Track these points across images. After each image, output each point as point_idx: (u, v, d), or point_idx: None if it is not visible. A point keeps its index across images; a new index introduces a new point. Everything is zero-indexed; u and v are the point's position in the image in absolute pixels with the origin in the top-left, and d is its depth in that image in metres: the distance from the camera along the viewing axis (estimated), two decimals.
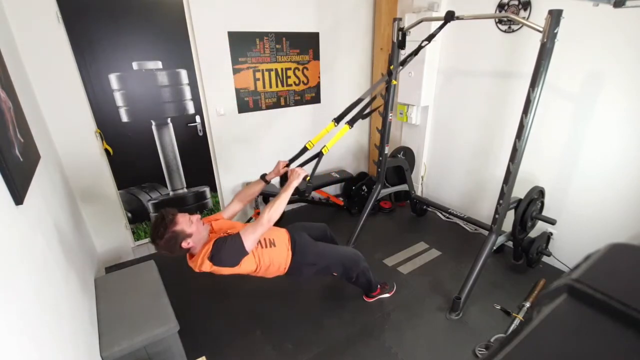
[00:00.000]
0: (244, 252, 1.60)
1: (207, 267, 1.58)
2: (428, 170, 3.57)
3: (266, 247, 1.77)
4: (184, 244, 1.54)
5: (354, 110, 1.99)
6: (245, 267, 1.69)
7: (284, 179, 1.87)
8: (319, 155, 1.81)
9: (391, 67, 2.35)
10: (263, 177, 1.90)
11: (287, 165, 1.89)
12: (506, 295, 2.35)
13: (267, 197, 3.25)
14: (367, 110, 2.04)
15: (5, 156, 1.05)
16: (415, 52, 2.16)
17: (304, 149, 1.88)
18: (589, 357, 0.27)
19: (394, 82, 2.28)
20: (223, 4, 2.60)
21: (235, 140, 3.05)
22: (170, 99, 2.65)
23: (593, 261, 0.33)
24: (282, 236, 1.88)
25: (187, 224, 1.55)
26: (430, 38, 2.11)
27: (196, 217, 1.61)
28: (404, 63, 2.21)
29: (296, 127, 3.33)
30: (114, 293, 1.83)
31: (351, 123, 1.89)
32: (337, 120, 1.96)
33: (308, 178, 1.73)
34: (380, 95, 2.83)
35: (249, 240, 1.59)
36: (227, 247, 1.57)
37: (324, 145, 1.80)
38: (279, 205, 1.61)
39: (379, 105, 2.62)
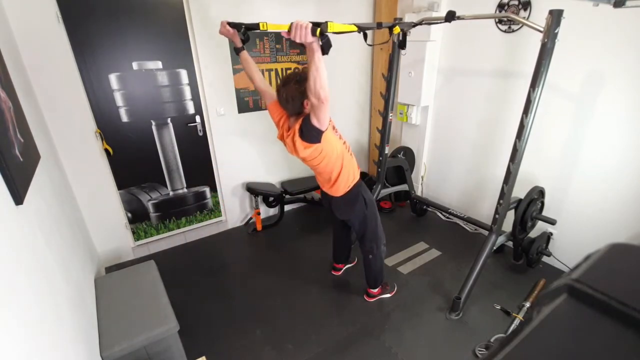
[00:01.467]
0: (321, 124, 1.58)
1: (299, 143, 1.65)
2: (428, 170, 3.57)
3: (348, 151, 1.88)
4: (306, 103, 1.61)
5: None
6: (332, 143, 1.73)
7: (243, 38, 1.79)
8: (323, 25, 1.36)
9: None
10: (236, 49, 1.88)
11: (233, 25, 1.77)
12: (506, 295, 2.35)
13: (266, 196, 3.26)
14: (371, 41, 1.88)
15: (5, 156, 1.05)
16: (416, 24, 2.19)
17: (256, 25, 1.64)
18: (589, 357, 0.27)
19: (396, 29, 2.01)
20: (223, 4, 2.60)
21: (235, 140, 3.05)
22: (170, 99, 2.65)
23: (593, 261, 0.33)
24: (355, 160, 1.96)
25: None
26: (431, 22, 2.12)
27: None
28: (405, 36, 2.17)
29: None
30: (114, 293, 1.83)
31: (359, 28, 1.68)
32: (359, 28, 1.72)
33: (318, 30, 1.33)
34: (380, 94, 2.83)
35: (321, 114, 1.54)
36: (308, 120, 1.60)
37: (326, 22, 1.38)
38: (320, 73, 1.42)
39: (384, 41, 2.39)
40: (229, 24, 1.80)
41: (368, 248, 2.13)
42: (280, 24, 1.54)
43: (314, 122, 1.57)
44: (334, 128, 1.82)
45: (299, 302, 2.35)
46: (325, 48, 1.39)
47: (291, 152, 1.78)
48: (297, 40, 1.37)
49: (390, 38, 2.18)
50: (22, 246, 1.05)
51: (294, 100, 1.63)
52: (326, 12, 3.10)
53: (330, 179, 1.89)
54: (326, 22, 1.37)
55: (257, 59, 2.89)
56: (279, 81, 3.05)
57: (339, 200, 1.97)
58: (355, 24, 1.65)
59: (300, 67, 3.13)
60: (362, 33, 1.76)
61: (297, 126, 1.65)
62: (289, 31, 1.38)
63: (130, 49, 2.39)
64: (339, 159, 1.82)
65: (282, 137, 1.82)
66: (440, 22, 2.16)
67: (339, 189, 1.92)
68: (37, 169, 1.47)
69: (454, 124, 3.15)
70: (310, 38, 1.35)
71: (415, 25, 2.25)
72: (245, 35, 1.81)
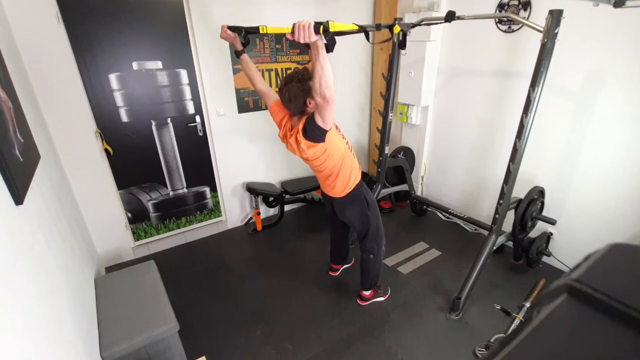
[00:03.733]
0: (326, 124, 1.58)
1: (302, 141, 1.64)
2: (428, 170, 3.57)
3: (350, 151, 1.88)
4: (308, 102, 1.61)
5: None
6: (335, 142, 1.73)
7: (243, 41, 1.81)
8: (325, 24, 1.36)
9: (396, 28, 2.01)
10: (237, 53, 1.89)
11: (234, 29, 1.78)
12: (506, 295, 2.35)
13: (266, 196, 3.26)
14: (373, 40, 1.88)
15: (5, 156, 1.05)
16: (416, 25, 2.19)
17: (256, 29, 1.68)
18: (589, 357, 0.27)
19: (397, 28, 2.04)
20: (223, 4, 2.60)
21: (235, 140, 3.05)
22: (170, 99, 2.65)
23: (593, 261, 0.33)
24: (357, 161, 1.96)
25: None
26: (431, 22, 2.12)
27: None
28: (405, 36, 2.16)
29: None
30: (114, 293, 1.83)
31: (361, 28, 1.68)
32: (360, 27, 1.75)
33: (322, 27, 1.33)
34: (380, 94, 2.83)
35: (325, 114, 1.55)
36: (312, 119, 1.59)
37: (328, 21, 1.38)
38: (325, 71, 1.41)
39: (385, 39, 2.40)
40: (230, 27, 1.80)
41: (369, 248, 2.12)
42: (280, 26, 1.56)
43: (319, 121, 1.56)
44: (337, 127, 1.82)
45: (299, 302, 2.35)
46: (330, 45, 1.40)
47: (293, 151, 1.78)
48: (301, 41, 1.38)
49: (391, 37, 2.18)
50: (22, 246, 1.05)
51: (296, 99, 1.63)
52: (326, 12, 3.10)
53: (332, 180, 1.89)
54: (327, 21, 1.37)
55: (257, 59, 2.89)
56: (279, 81, 3.07)
57: (341, 201, 1.97)
58: (355, 24, 1.65)
59: (300, 66, 3.13)
60: (364, 32, 1.76)
61: (300, 125, 1.64)
62: (292, 32, 1.38)
63: (130, 49, 2.39)
64: (341, 159, 1.81)
65: (284, 137, 1.81)
66: (440, 22, 2.16)
67: (341, 190, 1.91)
68: (37, 169, 1.47)
69: (454, 124, 3.15)
70: (313, 37, 1.36)
71: (414, 25, 2.25)
72: (245, 39, 1.82)
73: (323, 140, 1.65)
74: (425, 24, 2.30)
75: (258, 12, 2.76)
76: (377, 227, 2.09)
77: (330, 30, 1.37)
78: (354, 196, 1.94)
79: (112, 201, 2.63)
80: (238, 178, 3.19)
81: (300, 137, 1.65)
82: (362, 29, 1.71)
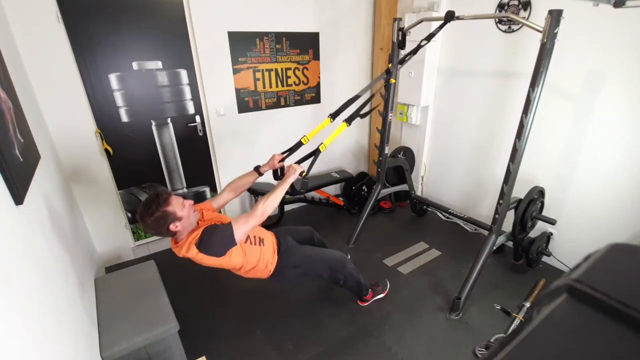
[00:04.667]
0: (232, 242, 1.56)
1: (193, 253, 1.53)
2: (428, 170, 3.57)
3: (255, 244, 1.79)
4: (172, 227, 1.50)
5: (352, 107, 1.99)
6: (232, 260, 1.66)
7: (277, 174, 1.89)
8: (315, 152, 1.81)
9: (389, 65, 2.33)
10: (257, 168, 1.89)
11: (282, 160, 1.88)
12: (506, 295, 2.35)
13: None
14: (366, 110, 2.02)
15: (5, 156, 1.05)
16: (414, 52, 2.16)
17: (299, 144, 1.88)
18: (589, 357, 0.27)
19: (392, 80, 2.26)
20: (223, 4, 2.60)
21: (236, 140, 3.05)
22: (170, 99, 2.65)
23: (593, 261, 0.33)
24: (269, 237, 1.91)
25: (180, 206, 1.52)
26: (429, 37, 2.11)
27: (189, 202, 1.58)
28: (402, 62, 2.21)
29: (296, 127, 3.33)
30: (114, 293, 1.83)
31: (349, 121, 1.88)
32: (333, 116, 1.97)
33: (304, 174, 1.75)
34: (380, 94, 2.83)
35: (240, 230, 1.55)
36: (217, 235, 1.54)
37: (322, 143, 1.80)
38: (274, 199, 1.61)
39: (378, 104, 2.59)
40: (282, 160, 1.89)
41: (333, 281, 2.05)
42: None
43: (236, 234, 1.53)
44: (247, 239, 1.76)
45: (299, 302, 2.35)
46: (296, 189, 1.82)
47: (177, 253, 1.63)
48: (286, 174, 1.70)
49: (387, 84, 2.36)
50: (22, 246, 1.05)
51: (159, 232, 1.52)
52: (326, 12, 3.10)
53: (249, 274, 1.83)
54: (307, 179, 1.79)
55: (257, 59, 2.89)
56: (279, 82, 3.07)
57: (272, 277, 1.90)
58: (345, 121, 1.87)
59: (300, 66, 3.13)
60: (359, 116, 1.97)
61: (193, 241, 1.53)
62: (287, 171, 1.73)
63: (130, 49, 2.39)
64: (245, 257, 1.73)
65: (173, 246, 1.65)
66: (441, 26, 2.15)
67: (265, 274, 1.87)
68: (37, 169, 1.47)
69: (454, 124, 3.15)
70: (292, 179, 1.68)
71: (414, 52, 2.19)
72: (281, 174, 1.89)
73: (222, 255, 1.59)
74: (422, 46, 2.17)
75: (258, 11, 2.76)
76: (326, 267, 1.97)
77: (323, 148, 1.80)
78: (279, 273, 1.88)
79: (112, 201, 2.63)
80: None
81: (193, 253, 1.53)
82: (350, 121, 1.90)
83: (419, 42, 2.13)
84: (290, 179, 1.67)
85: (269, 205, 1.59)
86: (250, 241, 1.77)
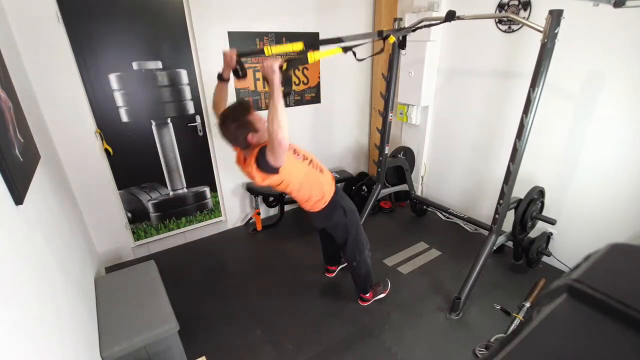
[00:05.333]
0: (273, 166, 1.57)
1: (254, 170, 1.59)
2: (428, 170, 3.57)
3: (316, 169, 1.84)
4: (250, 137, 1.59)
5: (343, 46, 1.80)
6: (290, 178, 1.70)
7: (238, 74, 1.70)
8: (302, 57, 1.51)
9: (384, 29, 2.07)
10: (220, 76, 1.72)
11: (239, 55, 1.66)
12: (506, 295, 2.35)
13: (266, 196, 3.26)
14: (362, 55, 1.85)
15: (5, 156, 1.05)
16: (413, 29, 2.22)
17: (304, 58, 1.62)
18: (589, 357, 0.27)
19: (391, 39, 2.04)
20: (223, 4, 2.60)
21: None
22: (170, 99, 2.65)
23: (593, 261, 0.33)
24: (327, 171, 1.95)
25: (258, 119, 1.61)
26: (429, 24, 2.15)
27: (265, 119, 1.58)
28: (399, 30, 2.24)
29: (296, 127, 3.33)
30: (114, 293, 1.83)
31: (345, 49, 1.73)
32: (312, 46, 1.75)
33: (284, 66, 1.41)
34: (380, 93, 2.83)
35: (269, 156, 1.54)
36: (262, 157, 1.56)
37: (312, 50, 1.52)
38: (277, 111, 1.43)
39: (378, 51, 2.43)
40: (240, 54, 1.67)
41: (350, 256, 2.11)
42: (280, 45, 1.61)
43: (270, 159, 1.54)
44: (295, 152, 1.76)
45: (299, 302, 2.35)
46: (284, 93, 1.44)
47: (250, 179, 1.72)
48: (268, 78, 1.42)
49: (384, 46, 2.18)
50: (22, 246, 1.05)
51: (236, 138, 1.61)
52: (326, 12, 3.10)
53: (303, 199, 1.87)
54: (287, 60, 1.43)
55: (257, 59, 2.89)
56: None
57: (318, 215, 1.95)
58: (340, 45, 1.66)
59: (299, 66, 3.13)
60: (351, 52, 1.77)
61: (252, 158, 1.60)
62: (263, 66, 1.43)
63: (130, 49, 2.39)
64: (306, 182, 1.79)
65: (239, 163, 1.77)
66: (440, 22, 2.16)
67: (315, 206, 1.90)
68: (37, 169, 1.47)
69: (454, 124, 3.15)
70: (278, 80, 1.41)
71: (414, 30, 2.23)
72: (243, 72, 1.70)
73: (277, 172, 1.62)
74: (424, 26, 2.28)
75: (258, 11, 2.76)
76: (357, 235, 2.06)
77: (311, 61, 1.48)
78: (329, 208, 1.92)
79: (112, 201, 2.63)
80: (238, 178, 3.18)
81: (254, 170, 1.61)
82: (348, 49, 1.71)
83: (421, 21, 2.13)
84: (277, 82, 1.42)
85: (277, 124, 1.43)
86: (313, 165, 1.82)
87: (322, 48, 1.78)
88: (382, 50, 2.23)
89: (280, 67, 1.41)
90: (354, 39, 1.91)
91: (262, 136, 1.64)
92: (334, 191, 1.94)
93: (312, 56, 1.49)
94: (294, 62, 1.48)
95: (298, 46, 1.68)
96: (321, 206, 1.90)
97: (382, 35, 2.05)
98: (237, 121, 1.57)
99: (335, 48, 1.66)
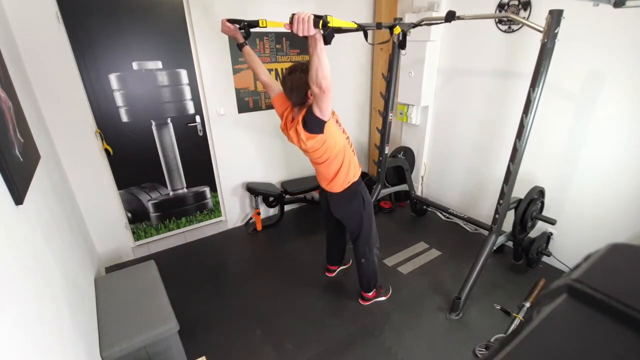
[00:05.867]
0: (320, 121, 1.62)
1: (302, 130, 1.66)
2: (428, 170, 3.57)
3: (351, 147, 1.91)
4: (309, 93, 1.62)
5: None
6: (331, 143, 1.75)
7: (244, 34, 1.86)
8: (323, 20, 1.36)
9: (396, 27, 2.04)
10: (238, 46, 1.92)
11: (228, 21, 1.82)
12: (506, 295, 2.35)
13: (266, 196, 3.26)
14: (371, 39, 1.89)
15: (5, 156, 1.05)
16: (414, 25, 2.27)
17: (256, 23, 1.72)
18: (589, 357, 0.27)
19: (397, 30, 2.03)
20: (223, 4, 2.60)
21: (235, 140, 3.05)
22: (170, 99, 2.65)
23: (593, 261, 0.33)
24: (356, 160, 1.98)
25: None
26: (431, 22, 2.15)
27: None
28: (405, 37, 2.26)
29: None
30: (114, 293, 1.83)
31: (360, 27, 1.75)
32: (360, 26, 1.77)
33: (321, 22, 1.33)
34: (380, 93, 2.83)
35: (316, 109, 1.58)
36: (310, 113, 1.62)
37: (329, 15, 1.39)
38: (324, 62, 1.42)
39: (385, 41, 2.40)
40: (229, 20, 1.83)
41: (361, 251, 2.12)
42: (279, 21, 1.56)
43: (317, 112, 1.59)
44: (337, 122, 1.84)
45: (299, 302, 2.35)
46: (328, 38, 1.38)
47: (294, 142, 1.80)
48: (300, 34, 1.36)
49: (391, 37, 2.19)
50: (22, 246, 1.05)
51: (298, 89, 1.65)
52: (326, 12, 3.09)
53: (330, 174, 1.89)
54: (326, 15, 1.36)
55: None
56: (278, 82, 3.06)
57: (337, 197, 1.97)
58: (355, 22, 1.66)
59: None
60: (362, 31, 1.79)
61: (300, 117, 1.67)
62: (291, 23, 1.37)
63: (130, 49, 2.39)
64: (341, 153, 1.83)
65: (285, 128, 1.84)
66: (440, 23, 2.16)
67: (338, 185, 1.92)
68: (37, 169, 1.47)
69: (454, 124, 3.15)
70: (312, 30, 1.35)
71: (415, 25, 2.25)
72: (247, 31, 1.85)
73: (322, 132, 1.67)
74: (425, 24, 2.30)
75: (259, 10, 2.76)
76: (370, 229, 2.08)
77: (329, 25, 1.37)
78: (351, 193, 1.95)
79: (112, 201, 2.63)
80: (238, 178, 3.18)
81: (300, 129, 1.67)
82: (361, 28, 1.74)
83: (423, 19, 2.14)
84: (313, 32, 1.35)
85: (322, 72, 1.42)
86: (350, 142, 1.90)
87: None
88: (388, 41, 2.30)
89: (317, 24, 1.33)
90: (367, 26, 1.92)
91: (314, 99, 1.61)
92: (358, 176, 1.97)
93: (332, 21, 1.38)
94: (324, 17, 1.36)
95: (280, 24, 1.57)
96: (343, 187, 1.92)
97: (389, 26, 2.07)
98: (306, 74, 1.56)
99: (352, 23, 1.65)
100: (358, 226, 2.05)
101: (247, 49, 1.93)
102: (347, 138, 1.89)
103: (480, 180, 3.07)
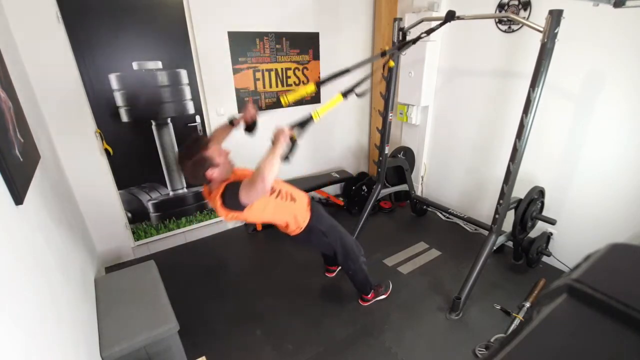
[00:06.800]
0: (239, 206, 1.53)
1: (219, 205, 1.56)
2: (428, 170, 3.57)
3: (286, 200, 1.79)
4: (209, 172, 1.55)
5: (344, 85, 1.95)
6: (257, 215, 1.71)
7: (251, 128, 1.85)
8: (308, 120, 1.64)
9: (386, 48, 2.25)
10: (231, 122, 1.84)
11: (254, 111, 1.83)
12: (506, 295, 2.35)
13: None
14: (363, 88, 1.94)
15: (5, 156, 1.05)
16: (414, 41, 2.18)
17: (310, 119, 1.70)
18: (589, 356, 0.27)
19: (391, 63, 2.18)
20: (223, 4, 2.60)
21: (235, 140, 3.04)
22: (170, 99, 2.65)
23: (593, 261, 0.33)
24: (302, 196, 1.91)
25: (218, 153, 1.56)
26: (429, 32, 2.12)
27: (227, 151, 1.62)
28: (401, 48, 2.26)
29: None
30: (114, 293, 1.83)
31: (345, 94, 1.83)
32: (344, 94, 1.90)
33: (294, 137, 1.57)
34: (380, 93, 2.83)
35: (243, 198, 1.50)
36: (233, 193, 1.52)
37: (315, 110, 1.65)
38: (269, 167, 1.45)
39: (378, 81, 2.50)
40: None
41: (346, 267, 2.10)
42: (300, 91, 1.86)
43: (242, 197, 1.49)
44: None
45: (299, 302, 2.35)
46: (284, 156, 1.54)
47: (213, 206, 1.67)
48: (276, 139, 1.51)
49: (385, 67, 2.29)
50: (22, 246, 1.05)
51: (196, 177, 1.57)
52: (326, 12, 3.10)
53: (280, 227, 1.89)
54: (297, 146, 1.56)
55: (258, 59, 2.89)
56: (279, 82, 3.07)
57: (297, 238, 1.94)
58: (341, 91, 1.83)
59: (300, 66, 3.13)
60: (353, 93, 1.89)
61: (218, 194, 1.56)
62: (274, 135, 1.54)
63: (130, 49, 2.39)
64: (278, 214, 1.78)
65: (205, 195, 1.75)
66: (440, 25, 2.15)
67: (293, 232, 1.90)
68: (37, 169, 1.47)
69: (454, 124, 3.15)
70: (284, 144, 1.51)
71: (415, 42, 2.22)
72: (253, 127, 1.86)
73: (242, 211, 1.59)
74: (424, 35, 2.22)
75: (258, 11, 2.76)
76: (344, 247, 2.02)
77: (315, 118, 1.63)
78: (306, 231, 1.90)
79: (112, 201, 2.63)
80: None
81: (218, 206, 1.57)
82: (346, 95, 1.83)
83: (419, 35, 2.14)
84: (281, 143, 1.50)
85: (268, 177, 1.44)
86: (282, 197, 1.78)
87: (325, 95, 1.93)
88: (383, 70, 2.40)
89: (291, 138, 1.54)
90: (358, 67, 2.08)
91: (224, 170, 1.59)
92: (309, 217, 1.89)
93: (316, 114, 1.62)
94: (303, 127, 1.63)
95: (310, 88, 1.88)
96: (298, 232, 1.90)
97: (384, 55, 2.16)
98: (192, 158, 1.51)
99: (337, 96, 1.77)
100: (330, 249, 2.02)
101: (231, 129, 1.87)
102: (279, 192, 1.78)
103: (480, 180, 3.07)
